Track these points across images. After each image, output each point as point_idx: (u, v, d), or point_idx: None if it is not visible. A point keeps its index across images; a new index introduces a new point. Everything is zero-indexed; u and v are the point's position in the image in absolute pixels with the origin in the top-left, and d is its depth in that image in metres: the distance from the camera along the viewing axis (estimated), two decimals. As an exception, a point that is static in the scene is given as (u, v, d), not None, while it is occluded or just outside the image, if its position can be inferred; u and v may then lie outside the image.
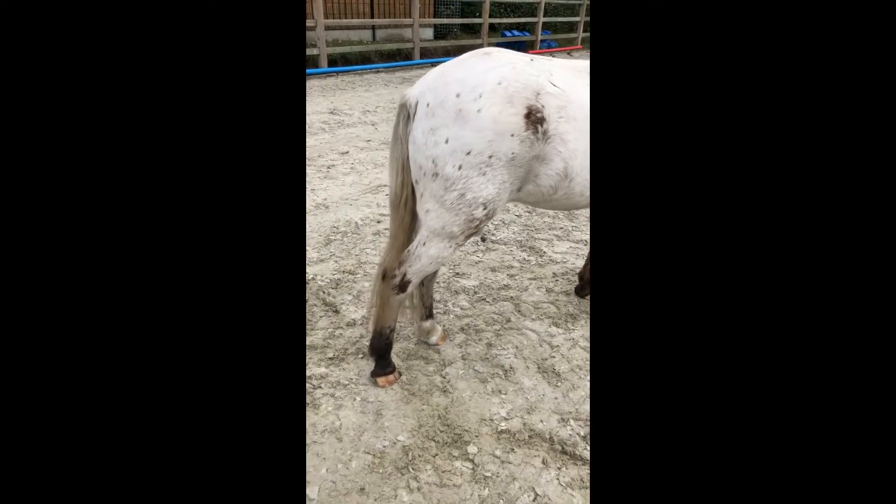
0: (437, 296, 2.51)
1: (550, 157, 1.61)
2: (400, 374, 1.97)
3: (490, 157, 1.52)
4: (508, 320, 2.35)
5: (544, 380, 2.00)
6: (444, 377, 1.99)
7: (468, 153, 1.51)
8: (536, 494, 1.53)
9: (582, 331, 2.29)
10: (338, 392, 1.89)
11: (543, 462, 1.64)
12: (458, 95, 1.50)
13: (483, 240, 3.08)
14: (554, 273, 2.77)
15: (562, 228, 3.33)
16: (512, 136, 1.51)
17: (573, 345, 2.20)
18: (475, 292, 2.57)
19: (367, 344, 1.94)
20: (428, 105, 1.53)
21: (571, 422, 1.80)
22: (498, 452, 1.67)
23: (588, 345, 2.20)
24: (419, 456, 1.64)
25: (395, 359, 2.02)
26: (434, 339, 2.16)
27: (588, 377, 2.01)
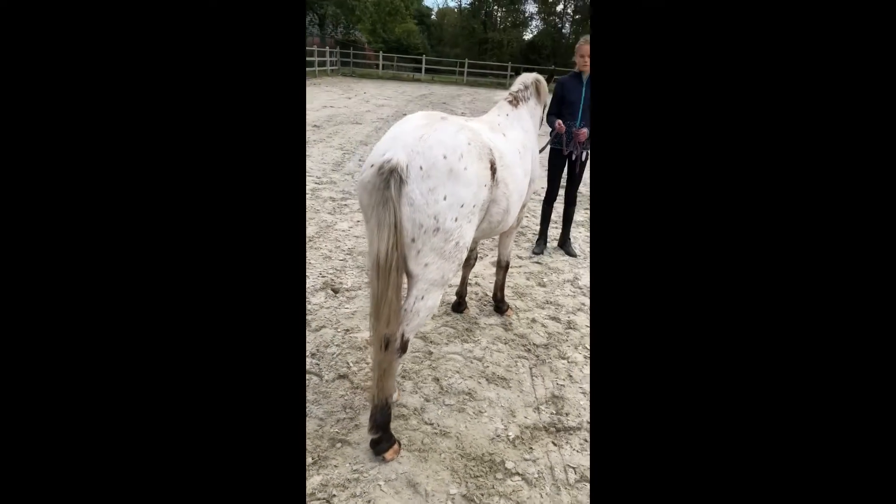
0: (350, 357, 2.41)
1: (499, 199, 1.96)
2: (399, 442, 1.90)
3: (474, 206, 1.75)
4: (430, 353, 2.51)
5: (498, 386, 2.30)
6: (431, 423, 2.04)
7: (462, 206, 1.69)
8: (573, 468, 1.87)
9: (485, 338, 2.68)
10: (357, 490, 1.70)
11: (555, 444, 1.99)
12: (444, 157, 1.65)
13: (336, 292, 3.02)
14: (421, 301, 3.03)
15: (387, 262, 3.56)
16: (485, 186, 1.78)
17: (490, 352, 2.57)
18: (379, 341, 2.57)
19: (371, 421, 1.79)
20: (421, 168, 1.62)
21: (541, 407, 2.20)
22: (526, 456, 1.91)
23: (500, 346, 2.61)
24: (481, 494, 1.72)
25: (374, 430, 1.93)
26: (395, 395, 2.13)
27: (523, 370, 2.43)
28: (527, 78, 2.65)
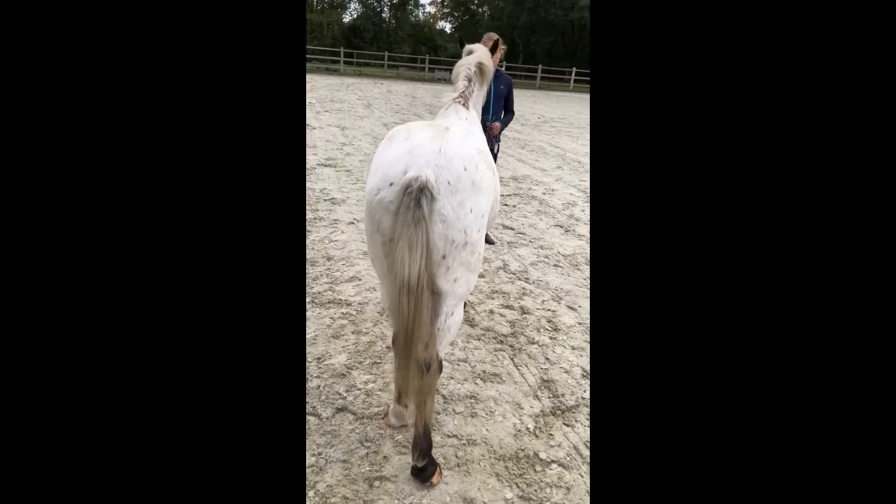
0: (338, 387, 2.23)
1: (494, 203, 1.98)
2: (439, 464, 1.85)
3: (488, 214, 1.76)
4: (415, 364, 2.44)
5: (495, 383, 2.37)
6: (455, 436, 2.03)
7: (482, 216, 1.69)
8: (592, 442, 2.05)
9: (458, 338, 2.70)
10: (420, 523, 1.62)
11: (567, 425, 2.14)
12: (465, 169, 1.63)
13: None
14: (379, 313, 2.91)
15: (326, 275, 3.31)
16: (491, 192, 1.80)
17: (469, 351, 2.61)
18: (359, 363, 2.42)
19: (416, 450, 1.71)
20: (449, 183, 1.57)
21: (539, 393, 2.33)
22: (551, 443, 2.03)
23: (476, 343, 2.66)
24: (533, 490, 1.79)
25: (403, 454, 1.86)
26: (406, 418, 2.05)
27: (506, 362, 2.52)
28: (469, 70, 2.58)
